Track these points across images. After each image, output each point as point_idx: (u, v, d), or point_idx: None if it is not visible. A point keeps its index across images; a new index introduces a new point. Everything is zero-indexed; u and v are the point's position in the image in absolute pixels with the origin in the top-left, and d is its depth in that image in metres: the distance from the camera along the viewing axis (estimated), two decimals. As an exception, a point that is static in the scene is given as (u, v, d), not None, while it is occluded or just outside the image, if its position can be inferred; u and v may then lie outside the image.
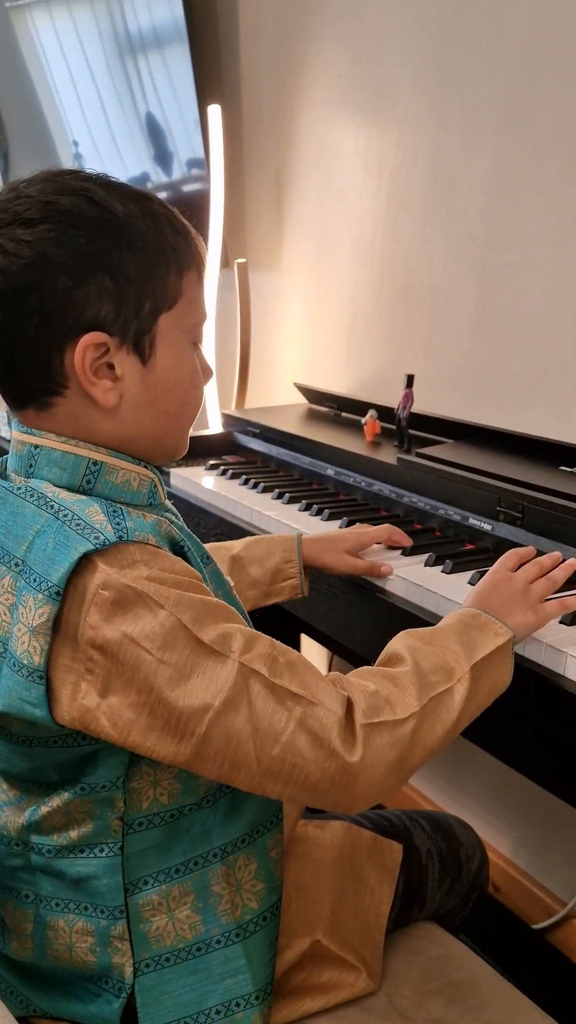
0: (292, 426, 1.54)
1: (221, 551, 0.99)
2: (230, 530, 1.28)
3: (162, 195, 2.08)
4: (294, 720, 0.63)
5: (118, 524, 0.64)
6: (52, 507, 0.65)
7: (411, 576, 0.99)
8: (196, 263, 0.71)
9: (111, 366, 0.67)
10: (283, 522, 1.21)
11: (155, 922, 0.72)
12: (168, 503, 0.76)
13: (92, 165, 2.35)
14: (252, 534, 1.14)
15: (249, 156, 1.92)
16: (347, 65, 1.61)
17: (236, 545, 1.00)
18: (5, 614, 0.65)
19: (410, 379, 1.32)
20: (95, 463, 0.68)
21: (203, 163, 1.88)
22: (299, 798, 0.67)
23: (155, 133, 2.06)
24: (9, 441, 0.73)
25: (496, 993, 0.79)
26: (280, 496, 1.32)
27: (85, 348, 0.66)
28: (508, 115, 1.31)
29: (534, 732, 0.84)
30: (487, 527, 1.08)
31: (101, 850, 0.71)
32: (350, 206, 1.67)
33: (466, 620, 0.77)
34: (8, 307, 0.65)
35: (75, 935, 0.73)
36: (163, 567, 0.65)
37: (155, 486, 0.72)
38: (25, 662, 0.62)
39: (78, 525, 0.63)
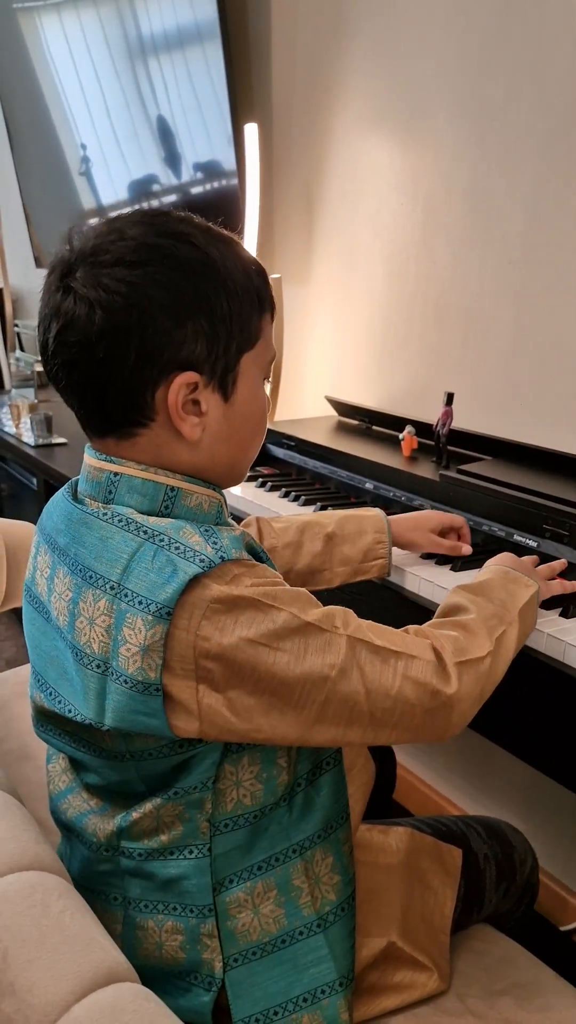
0: (326, 439, 1.57)
1: (314, 528, 1.04)
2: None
3: (170, 199, 2.12)
4: (399, 675, 0.73)
5: (215, 544, 0.68)
6: (145, 532, 0.68)
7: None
8: (272, 305, 0.77)
9: (196, 402, 0.72)
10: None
11: (241, 918, 0.76)
12: (230, 520, 0.80)
13: (98, 168, 2.40)
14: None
15: (279, 170, 1.96)
16: (383, 87, 1.65)
17: (328, 522, 1.05)
18: (104, 635, 0.68)
19: (450, 397, 1.36)
20: (172, 489, 0.72)
21: (231, 174, 1.92)
22: (403, 739, 0.76)
23: (169, 141, 2.09)
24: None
25: (560, 994, 0.83)
26: (323, 510, 1.35)
27: (180, 387, 0.69)
28: (549, 140, 1.35)
29: (558, 731, 0.91)
30: (532, 543, 1.12)
31: (191, 852, 0.74)
32: (383, 225, 1.70)
33: (500, 575, 0.91)
34: (110, 343, 0.68)
35: (165, 934, 0.76)
36: (258, 575, 0.70)
37: (221, 506, 0.77)
38: (140, 679, 0.66)
39: (178, 548, 0.67)
